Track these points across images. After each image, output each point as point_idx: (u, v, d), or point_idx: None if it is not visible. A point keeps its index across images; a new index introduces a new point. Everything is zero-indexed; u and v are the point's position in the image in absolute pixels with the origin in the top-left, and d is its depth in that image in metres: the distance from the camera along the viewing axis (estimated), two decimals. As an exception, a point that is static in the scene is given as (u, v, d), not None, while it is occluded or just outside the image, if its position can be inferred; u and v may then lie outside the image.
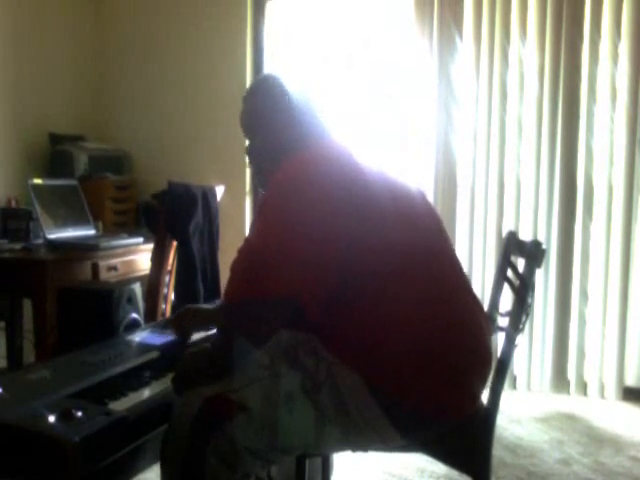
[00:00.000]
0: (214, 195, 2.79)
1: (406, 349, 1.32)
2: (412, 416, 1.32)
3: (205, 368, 1.43)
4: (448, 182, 3.36)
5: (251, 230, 1.44)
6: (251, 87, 1.65)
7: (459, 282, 1.48)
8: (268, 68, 3.67)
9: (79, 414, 1.24)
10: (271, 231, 1.37)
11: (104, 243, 2.82)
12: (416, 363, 1.32)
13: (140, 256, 3.03)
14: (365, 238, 1.36)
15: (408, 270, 1.38)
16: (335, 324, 1.36)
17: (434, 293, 1.39)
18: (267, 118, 1.58)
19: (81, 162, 3.33)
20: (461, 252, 3.34)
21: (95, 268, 2.74)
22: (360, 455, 2.35)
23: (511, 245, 1.77)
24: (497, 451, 2.52)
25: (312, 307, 1.34)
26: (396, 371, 1.31)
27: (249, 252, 1.39)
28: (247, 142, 1.66)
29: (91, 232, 3.04)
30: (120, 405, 1.38)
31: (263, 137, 1.60)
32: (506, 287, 1.73)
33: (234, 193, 3.53)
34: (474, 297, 1.50)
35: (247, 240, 1.41)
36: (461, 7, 3.29)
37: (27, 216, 2.83)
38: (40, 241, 2.77)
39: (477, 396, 1.43)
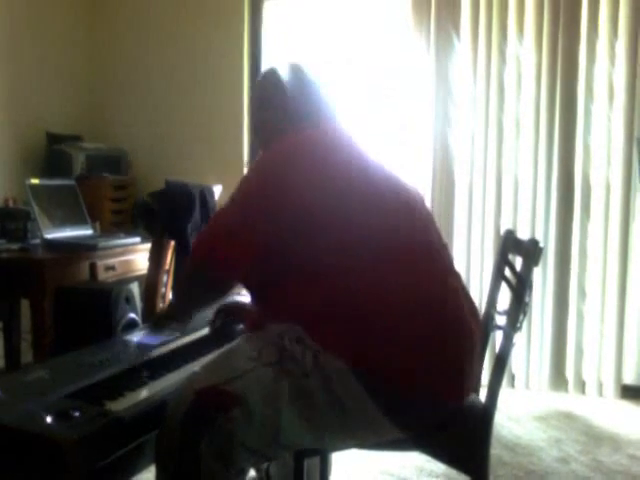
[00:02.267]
0: (212, 194, 2.79)
1: (386, 332, 1.31)
2: (399, 400, 1.30)
3: (170, 314, 1.77)
4: (446, 181, 3.36)
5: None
6: (266, 70, 1.79)
7: (434, 260, 1.46)
8: (266, 68, 3.67)
9: (76, 414, 1.24)
10: (233, 204, 1.49)
11: (102, 243, 2.82)
12: (398, 347, 1.31)
13: (138, 256, 3.03)
14: (345, 219, 1.40)
15: (386, 254, 1.39)
16: (316, 311, 1.36)
17: (413, 276, 1.38)
18: (278, 97, 1.67)
19: (78, 162, 3.33)
20: (459, 251, 3.35)
21: (93, 268, 2.73)
22: (359, 454, 2.37)
23: (509, 244, 1.77)
24: (495, 450, 2.53)
25: (250, 287, 1.53)
26: (378, 355, 1.30)
27: (215, 221, 1.54)
28: (254, 115, 1.78)
29: (89, 232, 3.03)
30: (118, 405, 1.37)
31: (272, 113, 1.68)
32: (504, 286, 1.73)
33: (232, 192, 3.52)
34: (458, 280, 1.50)
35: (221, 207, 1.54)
36: (458, 7, 3.30)
37: (25, 216, 2.81)
38: (38, 241, 2.76)
39: (464, 381, 1.39)
